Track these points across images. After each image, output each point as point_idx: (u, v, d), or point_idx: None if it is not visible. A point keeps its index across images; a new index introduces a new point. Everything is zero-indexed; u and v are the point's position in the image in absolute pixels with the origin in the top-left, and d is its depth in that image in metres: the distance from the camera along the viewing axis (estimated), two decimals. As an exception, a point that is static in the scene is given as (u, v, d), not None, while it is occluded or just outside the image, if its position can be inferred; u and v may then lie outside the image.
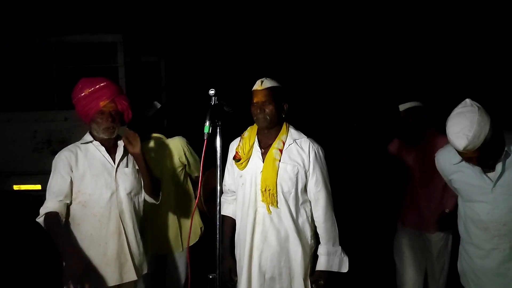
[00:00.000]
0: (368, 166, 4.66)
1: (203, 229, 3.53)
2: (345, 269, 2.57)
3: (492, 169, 2.23)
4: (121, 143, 2.71)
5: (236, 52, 8.41)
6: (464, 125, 2.08)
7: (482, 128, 2.07)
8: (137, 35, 6.78)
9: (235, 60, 8.33)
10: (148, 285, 3.33)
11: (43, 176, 5.79)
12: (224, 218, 2.68)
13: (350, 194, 5.19)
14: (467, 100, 2.17)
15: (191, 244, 3.41)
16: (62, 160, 2.60)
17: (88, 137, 2.68)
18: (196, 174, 3.49)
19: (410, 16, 7.97)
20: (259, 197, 2.54)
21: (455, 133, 2.10)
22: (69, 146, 2.69)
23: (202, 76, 7.72)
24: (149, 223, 3.27)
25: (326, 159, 2.62)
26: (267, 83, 2.53)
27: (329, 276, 2.54)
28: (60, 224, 2.52)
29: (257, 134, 2.63)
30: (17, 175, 5.94)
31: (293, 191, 2.53)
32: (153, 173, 2.78)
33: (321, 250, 2.57)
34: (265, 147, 2.59)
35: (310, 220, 2.61)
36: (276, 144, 2.55)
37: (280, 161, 2.53)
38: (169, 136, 3.45)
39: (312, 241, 2.61)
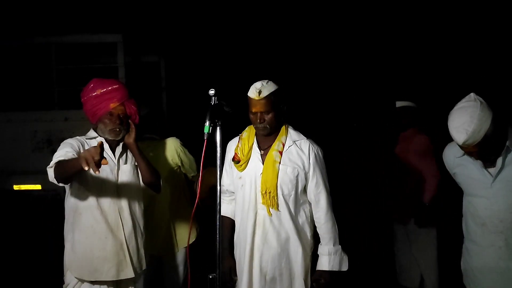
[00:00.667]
0: (368, 166, 4.66)
1: (198, 229, 3.53)
2: (345, 268, 2.58)
3: (494, 164, 2.23)
4: (121, 141, 2.72)
5: (236, 52, 8.40)
6: (464, 119, 2.09)
7: (482, 124, 2.07)
8: (137, 35, 6.78)
9: (235, 60, 8.33)
10: (147, 286, 3.33)
11: (43, 176, 5.83)
12: (223, 218, 2.68)
13: (350, 194, 5.19)
14: (471, 94, 2.18)
15: (186, 244, 3.39)
16: (72, 140, 2.58)
17: (92, 133, 2.70)
18: (192, 174, 3.49)
19: (409, 16, 7.96)
20: (259, 199, 2.53)
21: (456, 127, 2.11)
22: (76, 137, 2.69)
23: (202, 76, 7.72)
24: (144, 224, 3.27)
25: (325, 159, 2.62)
26: (265, 91, 2.46)
27: (330, 275, 2.54)
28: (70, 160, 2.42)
29: (256, 135, 2.62)
30: (17, 175, 5.94)
31: (293, 193, 2.53)
32: (151, 164, 2.78)
33: (322, 250, 2.57)
34: (264, 149, 2.59)
35: (309, 220, 2.61)
36: (276, 145, 2.55)
37: (280, 163, 2.52)
38: (164, 137, 3.45)
39: (312, 240, 2.62)
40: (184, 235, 3.42)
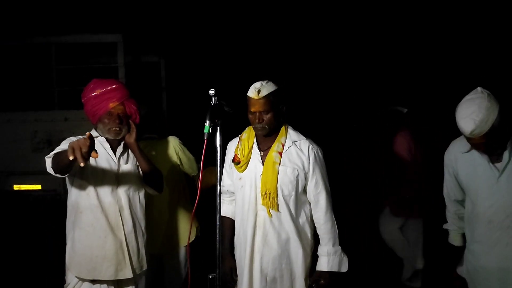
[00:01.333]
0: (368, 166, 4.67)
1: (199, 228, 3.53)
2: (344, 268, 2.57)
3: (500, 158, 2.23)
4: (122, 141, 2.72)
5: (236, 52, 8.40)
6: (472, 109, 2.10)
7: (490, 114, 2.09)
8: (137, 35, 6.78)
9: (235, 60, 8.33)
10: (147, 285, 3.35)
11: (43, 176, 5.85)
12: (223, 219, 2.67)
13: (350, 194, 5.19)
14: (478, 88, 2.20)
15: (186, 243, 3.39)
16: (74, 138, 2.55)
17: (94, 133, 2.71)
18: (192, 174, 3.50)
19: (408, 17, 7.97)
20: (259, 200, 2.52)
21: (463, 117, 2.12)
22: (78, 137, 2.68)
23: (202, 76, 7.72)
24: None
25: (325, 159, 2.62)
26: (264, 91, 2.45)
27: (329, 276, 2.54)
28: None
29: (256, 136, 2.61)
30: (17, 175, 5.94)
31: (293, 193, 2.53)
32: (153, 164, 2.78)
33: (321, 251, 2.57)
34: (264, 150, 2.58)
35: (309, 220, 2.61)
36: (275, 146, 2.54)
37: (280, 164, 2.51)
38: (163, 136, 3.46)
39: (312, 241, 2.61)
40: (184, 234, 3.42)
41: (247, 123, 2.64)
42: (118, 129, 2.63)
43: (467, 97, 2.19)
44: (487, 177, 2.26)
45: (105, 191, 2.63)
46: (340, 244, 2.58)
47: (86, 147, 2.05)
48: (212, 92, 2.22)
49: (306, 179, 2.55)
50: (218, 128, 2.23)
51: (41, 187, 5.82)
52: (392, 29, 8.13)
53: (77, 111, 5.72)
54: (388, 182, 4.22)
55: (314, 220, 2.60)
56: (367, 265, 4.57)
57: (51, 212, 5.30)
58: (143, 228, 2.77)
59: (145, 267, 2.77)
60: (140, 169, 2.76)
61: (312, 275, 2.58)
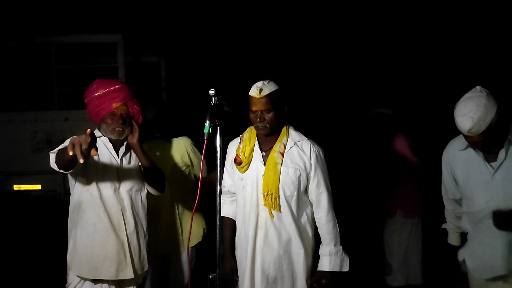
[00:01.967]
0: (368, 166, 4.67)
1: (205, 230, 3.52)
2: (346, 268, 2.57)
3: (495, 158, 2.25)
4: (125, 142, 2.72)
5: (236, 52, 8.40)
6: (470, 108, 2.12)
7: (488, 112, 2.10)
8: (137, 35, 6.78)
9: (235, 60, 8.33)
10: (153, 286, 3.36)
11: (43, 176, 5.86)
12: (224, 219, 2.67)
13: (350, 194, 5.19)
14: (477, 86, 2.22)
15: (193, 244, 3.42)
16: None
17: (97, 133, 2.70)
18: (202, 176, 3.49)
19: (406, 18, 7.97)
20: (261, 201, 2.52)
21: (462, 115, 2.14)
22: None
23: (202, 76, 7.72)
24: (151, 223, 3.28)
25: (326, 159, 2.62)
26: (266, 90, 2.46)
27: (331, 276, 2.54)
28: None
29: (257, 136, 2.61)
30: (17, 175, 5.94)
31: (295, 194, 2.52)
32: (155, 164, 2.78)
33: (323, 251, 2.56)
34: (265, 150, 2.58)
35: (311, 221, 2.61)
36: (277, 147, 2.54)
37: (282, 164, 2.51)
38: (173, 136, 3.46)
39: (313, 241, 2.61)
40: (191, 235, 3.41)
41: (248, 123, 2.64)
42: (121, 129, 2.63)
43: (466, 95, 2.20)
44: (482, 175, 2.29)
45: (107, 191, 2.63)
46: (341, 244, 2.58)
47: (86, 143, 2.05)
48: (212, 92, 2.22)
49: (308, 179, 2.55)
50: (218, 128, 2.23)
51: (41, 187, 5.82)
52: (392, 29, 8.13)
53: (77, 111, 5.74)
54: (393, 183, 4.25)
55: (315, 220, 2.59)
56: (367, 265, 4.57)
57: (51, 212, 5.30)
58: (145, 228, 2.77)
59: (146, 268, 2.77)
60: (142, 169, 2.76)
61: (313, 275, 2.58)
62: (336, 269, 2.54)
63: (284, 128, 2.59)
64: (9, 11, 6.94)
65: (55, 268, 3.04)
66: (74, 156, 2.06)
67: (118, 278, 2.64)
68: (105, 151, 2.66)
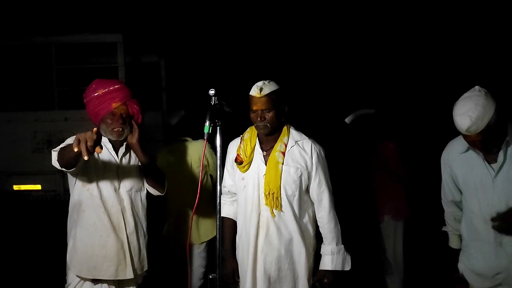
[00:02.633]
0: (355, 168, 4.71)
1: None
2: (348, 267, 2.57)
3: (495, 159, 2.25)
4: (125, 142, 2.72)
5: (236, 52, 8.40)
6: (469, 107, 2.13)
7: (486, 111, 2.10)
8: (137, 35, 6.78)
9: (235, 60, 8.33)
10: (169, 278, 3.60)
11: (43, 176, 5.86)
12: (224, 220, 2.67)
13: (350, 194, 5.19)
14: (476, 86, 2.22)
15: (208, 239, 3.68)
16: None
17: None
18: (215, 176, 3.62)
19: (405, 20, 7.98)
20: (263, 201, 2.52)
21: (460, 114, 2.14)
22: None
23: (202, 76, 7.72)
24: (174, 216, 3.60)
25: (326, 158, 2.62)
26: (266, 89, 2.47)
27: (333, 275, 2.55)
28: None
29: (258, 136, 2.61)
30: (17, 175, 5.94)
31: (297, 193, 2.53)
32: (155, 165, 2.78)
33: (325, 250, 2.57)
34: (266, 150, 2.58)
35: (312, 220, 2.61)
36: (278, 146, 2.54)
37: (283, 163, 2.51)
38: (195, 138, 3.70)
39: (314, 241, 2.62)
40: (205, 230, 3.66)
41: (248, 123, 2.64)
42: (121, 129, 2.62)
43: (465, 94, 2.21)
44: (483, 178, 2.28)
45: (107, 191, 2.63)
46: (343, 243, 2.58)
47: (92, 140, 2.05)
48: (212, 92, 2.22)
49: (309, 178, 2.55)
50: (218, 128, 2.23)
51: (41, 187, 5.82)
52: (391, 31, 8.14)
53: (77, 111, 5.74)
54: (379, 187, 4.26)
55: (317, 219, 2.59)
56: (366, 265, 4.57)
57: (51, 212, 5.30)
58: (144, 229, 2.77)
59: (146, 268, 2.77)
60: (142, 169, 2.76)
61: (315, 274, 2.58)
62: (338, 268, 2.55)
63: (285, 128, 2.59)
64: (9, 11, 6.94)
65: (55, 268, 3.03)
66: (78, 153, 2.07)
67: (118, 278, 2.63)
68: (104, 151, 2.65)
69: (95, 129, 2.10)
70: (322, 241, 2.60)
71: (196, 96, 3.57)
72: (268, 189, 2.50)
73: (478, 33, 7.63)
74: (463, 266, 2.46)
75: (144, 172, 2.75)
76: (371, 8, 8.07)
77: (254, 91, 2.49)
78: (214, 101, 2.22)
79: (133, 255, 2.67)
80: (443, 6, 7.73)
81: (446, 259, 2.63)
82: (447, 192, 2.51)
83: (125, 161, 2.72)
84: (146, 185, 2.79)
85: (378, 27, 8.19)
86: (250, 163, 2.57)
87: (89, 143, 2.04)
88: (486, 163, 2.27)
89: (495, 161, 2.25)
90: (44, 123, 5.95)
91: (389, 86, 8.08)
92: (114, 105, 2.59)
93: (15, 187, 5.94)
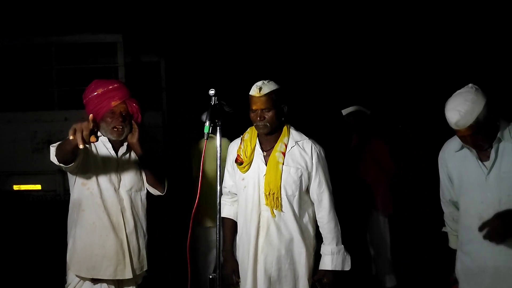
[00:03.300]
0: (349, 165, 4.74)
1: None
2: (347, 267, 2.57)
3: (488, 156, 2.25)
4: (124, 142, 2.71)
5: (236, 52, 8.41)
6: (458, 101, 2.17)
7: (475, 106, 2.13)
8: (137, 35, 6.78)
9: (235, 60, 8.33)
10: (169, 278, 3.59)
11: (43, 176, 5.86)
12: (225, 220, 2.67)
13: (350, 193, 5.20)
14: (470, 84, 2.25)
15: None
16: None
17: None
18: None
19: (403, 22, 7.98)
20: (263, 201, 2.52)
21: (450, 109, 2.18)
22: None
23: (202, 76, 7.72)
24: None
25: (326, 159, 2.62)
26: (266, 88, 2.47)
27: (333, 275, 2.55)
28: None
29: (258, 136, 2.61)
30: (17, 175, 5.94)
31: (297, 193, 2.52)
32: (156, 165, 2.78)
33: (325, 250, 2.57)
34: (267, 150, 2.57)
35: (312, 220, 2.61)
36: (278, 146, 2.54)
37: (283, 164, 2.51)
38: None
39: (314, 241, 2.61)
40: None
41: (248, 124, 2.65)
42: (121, 127, 2.62)
43: (457, 91, 2.25)
44: (476, 175, 2.29)
45: (107, 190, 2.63)
46: (342, 243, 2.59)
47: (88, 129, 2.08)
48: (212, 92, 2.21)
49: (309, 178, 2.55)
50: (218, 128, 2.22)
51: (41, 187, 5.83)
52: (391, 31, 8.14)
53: (77, 111, 5.72)
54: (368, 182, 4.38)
55: (317, 219, 2.59)
56: (366, 264, 4.57)
57: (51, 212, 5.30)
58: (144, 228, 2.76)
59: (145, 268, 2.76)
60: (142, 169, 2.76)
61: (315, 274, 2.58)
62: (338, 268, 2.54)
63: (285, 128, 2.59)
64: (9, 11, 6.95)
65: (55, 268, 3.03)
66: (75, 147, 2.11)
67: (117, 278, 2.63)
68: (104, 151, 2.66)
69: (91, 115, 2.13)
70: (322, 241, 2.60)
71: (196, 96, 3.58)
72: (269, 189, 2.50)
73: (478, 34, 7.64)
74: (459, 266, 2.45)
75: (144, 172, 2.75)
76: (373, 8, 8.07)
77: (253, 91, 2.49)
78: (214, 101, 2.21)
79: (132, 255, 2.67)
80: (445, 6, 7.74)
81: (445, 260, 2.63)
82: (445, 192, 2.51)
83: (125, 160, 2.71)
84: (146, 185, 2.79)
85: (379, 27, 8.20)
86: (250, 163, 2.57)
87: (84, 132, 2.07)
88: (479, 161, 2.28)
89: (488, 158, 2.26)
90: (44, 123, 5.96)
91: (389, 86, 8.08)
92: (113, 103, 2.60)
93: (15, 187, 5.94)
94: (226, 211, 2.69)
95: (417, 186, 7.01)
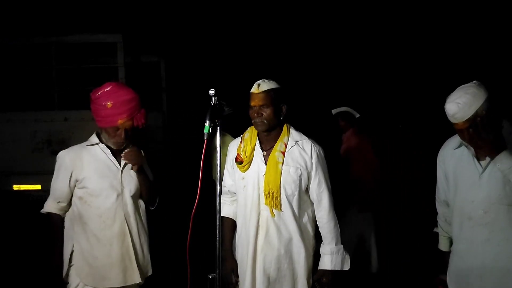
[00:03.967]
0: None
1: None
2: (347, 267, 2.58)
3: (485, 157, 2.22)
4: (126, 146, 2.70)
5: (236, 52, 8.41)
6: (459, 94, 2.16)
7: (475, 99, 2.12)
8: (137, 35, 6.78)
9: (235, 60, 8.34)
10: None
11: (43, 176, 5.85)
12: (224, 219, 2.67)
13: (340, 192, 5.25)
14: (474, 80, 2.24)
15: None
16: (64, 163, 2.63)
17: (94, 139, 2.69)
18: None
19: (403, 23, 7.99)
20: (262, 200, 2.52)
21: (449, 101, 2.18)
22: (73, 147, 2.70)
23: (202, 76, 7.72)
24: None
25: (326, 159, 2.62)
26: (264, 85, 2.50)
27: (332, 274, 2.55)
28: (62, 230, 2.65)
29: (258, 136, 2.61)
30: (17, 175, 5.94)
31: (296, 193, 2.53)
32: (150, 184, 2.77)
33: (324, 250, 2.57)
34: (267, 149, 2.58)
35: (311, 220, 2.61)
36: (278, 146, 2.55)
37: (283, 163, 2.52)
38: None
39: (314, 240, 2.62)
40: None
41: (248, 124, 2.65)
42: (121, 142, 2.62)
43: (460, 86, 2.23)
44: (470, 173, 2.27)
45: (108, 198, 2.61)
46: (342, 243, 2.59)
47: None
48: (212, 92, 2.21)
49: (309, 178, 2.55)
50: (218, 128, 2.22)
51: (41, 187, 5.81)
52: (392, 32, 8.14)
53: (77, 111, 5.74)
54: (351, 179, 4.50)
55: (316, 219, 2.59)
56: (366, 263, 4.58)
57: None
58: (147, 233, 2.77)
59: (150, 273, 2.77)
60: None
61: (314, 274, 2.58)
62: (338, 267, 2.55)
63: (285, 128, 2.60)
64: (9, 11, 6.95)
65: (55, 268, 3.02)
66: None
67: (127, 284, 2.64)
68: (103, 158, 2.64)
69: None
70: (321, 242, 2.60)
71: (196, 96, 3.58)
72: (268, 188, 2.50)
73: (479, 34, 7.64)
74: (451, 267, 2.43)
75: (141, 190, 2.72)
76: (375, 8, 8.07)
77: (253, 88, 2.53)
78: (214, 101, 2.21)
79: (139, 259, 2.68)
80: (446, 6, 7.74)
81: (435, 261, 2.62)
82: (441, 191, 2.49)
83: (128, 167, 2.69)
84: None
85: (379, 27, 8.20)
86: (250, 162, 2.57)
87: None
88: (476, 159, 2.26)
89: (485, 158, 2.23)
90: (44, 123, 5.95)
91: (389, 87, 8.08)
92: (120, 121, 2.56)
93: (15, 187, 5.94)
94: (225, 210, 2.69)
95: (417, 186, 7.02)
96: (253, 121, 2.55)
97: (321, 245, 2.59)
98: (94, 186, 2.59)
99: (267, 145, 2.59)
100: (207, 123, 2.11)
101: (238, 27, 8.28)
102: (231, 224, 2.69)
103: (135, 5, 7.77)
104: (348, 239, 4.49)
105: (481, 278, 2.26)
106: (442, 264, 2.52)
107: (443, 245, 2.56)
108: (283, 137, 2.56)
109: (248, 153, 2.57)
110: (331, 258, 2.54)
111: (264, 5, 8.12)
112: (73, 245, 2.63)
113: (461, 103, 2.12)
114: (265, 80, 2.53)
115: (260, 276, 2.51)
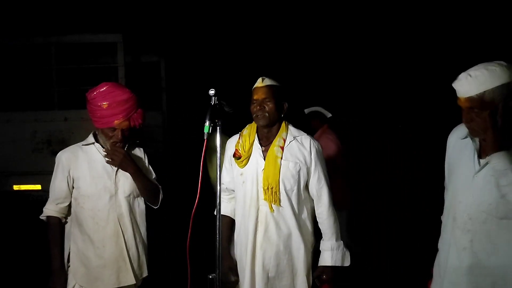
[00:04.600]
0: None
1: None
2: (347, 263, 2.57)
3: (485, 152, 1.98)
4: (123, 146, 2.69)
5: (236, 52, 8.41)
6: (477, 67, 1.88)
7: (490, 78, 1.83)
8: (137, 35, 6.79)
9: (235, 60, 8.34)
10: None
11: (43, 176, 5.86)
12: (222, 217, 2.67)
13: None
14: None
15: None
16: (61, 162, 2.63)
17: (90, 138, 2.68)
18: None
19: (403, 24, 7.99)
20: (261, 195, 2.52)
21: (463, 72, 1.90)
22: (70, 147, 2.69)
23: (202, 76, 7.72)
24: None
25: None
26: (268, 81, 2.55)
27: (332, 270, 2.55)
28: (60, 233, 2.65)
29: (257, 131, 2.62)
30: (17, 175, 5.94)
31: (295, 188, 2.53)
32: (148, 181, 2.73)
33: (324, 246, 2.56)
34: (265, 145, 2.58)
35: (311, 217, 2.61)
36: (277, 141, 2.55)
37: (281, 158, 2.52)
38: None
39: (313, 237, 2.61)
40: None
41: (248, 123, 2.65)
42: (117, 142, 2.60)
43: None
44: (466, 170, 2.03)
45: (101, 199, 2.59)
46: (341, 239, 2.59)
47: None
48: (212, 92, 2.21)
49: (308, 174, 2.55)
50: (218, 128, 2.22)
51: (41, 187, 5.81)
52: (392, 31, 8.14)
53: (77, 111, 5.74)
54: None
55: (316, 215, 2.59)
56: (366, 261, 4.58)
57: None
58: (143, 235, 2.74)
59: (145, 274, 2.74)
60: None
61: (313, 271, 2.58)
62: (338, 263, 2.54)
63: (284, 124, 2.61)
64: (9, 11, 6.95)
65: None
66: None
67: (121, 285, 2.63)
68: (98, 158, 2.63)
69: None
70: (320, 238, 2.60)
71: (196, 96, 3.57)
72: (267, 183, 2.50)
73: (479, 34, 7.64)
74: (435, 262, 2.27)
75: (137, 187, 2.68)
76: (374, 8, 8.07)
77: (257, 82, 2.56)
78: (214, 101, 2.21)
79: (132, 261, 2.66)
80: (446, 6, 7.74)
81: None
82: (446, 179, 2.26)
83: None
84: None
85: (379, 27, 8.20)
86: (248, 158, 2.57)
87: None
88: (477, 155, 2.01)
89: (486, 156, 1.97)
90: (44, 123, 5.95)
91: (389, 87, 8.08)
92: (116, 122, 2.54)
93: (15, 187, 5.94)
94: (223, 208, 2.67)
95: (417, 186, 7.02)
96: (254, 115, 2.55)
97: (321, 241, 2.58)
98: (86, 187, 2.58)
99: (266, 140, 2.59)
100: (207, 123, 2.11)
101: (238, 27, 8.28)
102: (229, 222, 2.69)
103: (135, 5, 7.77)
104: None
105: (455, 278, 2.06)
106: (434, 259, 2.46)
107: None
108: (281, 133, 2.57)
109: (246, 148, 2.57)
110: (332, 254, 2.53)
111: (264, 5, 8.12)
112: (70, 246, 2.63)
113: (473, 76, 1.84)
114: (268, 77, 2.58)
115: (260, 273, 2.51)
